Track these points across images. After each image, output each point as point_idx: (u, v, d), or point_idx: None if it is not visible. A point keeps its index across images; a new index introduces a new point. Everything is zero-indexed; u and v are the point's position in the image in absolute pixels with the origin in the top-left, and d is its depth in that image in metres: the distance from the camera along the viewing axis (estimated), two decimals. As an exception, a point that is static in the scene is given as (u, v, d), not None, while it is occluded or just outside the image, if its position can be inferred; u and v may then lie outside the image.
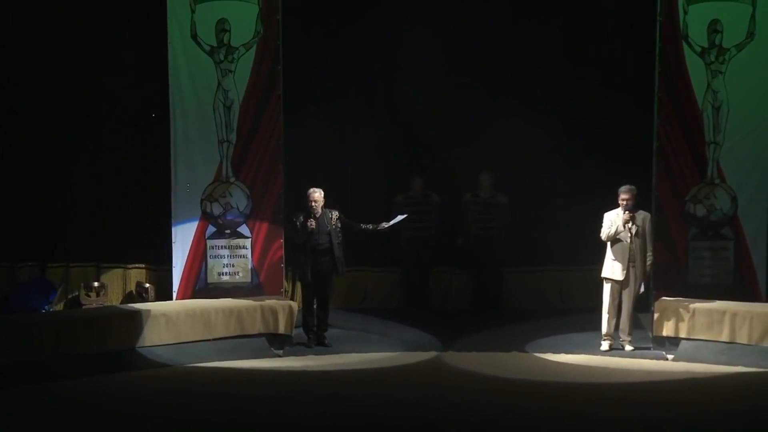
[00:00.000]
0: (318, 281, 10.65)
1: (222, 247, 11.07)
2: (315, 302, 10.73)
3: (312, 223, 10.49)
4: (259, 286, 11.05)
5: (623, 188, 10.28)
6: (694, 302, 10.24)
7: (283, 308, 10.64)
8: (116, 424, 7.88)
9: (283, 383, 9.28)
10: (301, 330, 10.78)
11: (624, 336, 10.37)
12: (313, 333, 10.71)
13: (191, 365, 9.82)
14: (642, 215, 10.32)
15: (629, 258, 10.25)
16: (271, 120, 11.02)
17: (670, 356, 10.09)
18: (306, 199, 10.63)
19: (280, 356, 10.30)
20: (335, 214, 10.68)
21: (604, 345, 10.36)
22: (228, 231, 11.05)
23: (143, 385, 9.16)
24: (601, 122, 12.19)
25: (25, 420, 7.99)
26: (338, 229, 10.65)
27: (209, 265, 11.05)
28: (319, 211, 10.58)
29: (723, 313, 10.02)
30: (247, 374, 9.55)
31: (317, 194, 10.60)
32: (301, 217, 10.55)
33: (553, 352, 10.27)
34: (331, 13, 12.32)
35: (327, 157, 12.34)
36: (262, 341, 10.53)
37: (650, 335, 10.50)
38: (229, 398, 8.63)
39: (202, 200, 10.96)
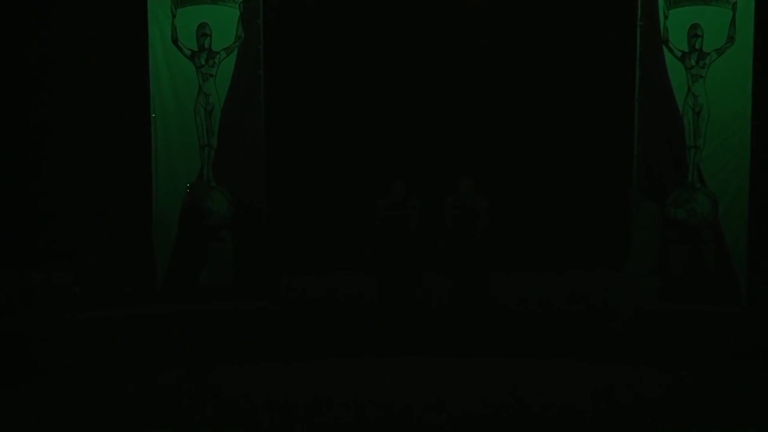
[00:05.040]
0: None
1: (203, 251, 11.06)
2: None
3: None
4: (242, 289, 11.04)
5: None
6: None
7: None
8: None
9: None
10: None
11: None
12: None
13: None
14: None
15: None
16: (252, 124, 11.02)
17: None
18: None
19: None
20: None
21: None
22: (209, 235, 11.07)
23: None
24: (582, 126, 12.20)
25: None
26: None
27: (191, 269, 11.05)
28: None
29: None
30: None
31: None
32: None
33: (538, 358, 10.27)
34: (313, 17, 12.30)
35: (309, 161, 12.31)
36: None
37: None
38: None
39: (182, 205, 10.94)
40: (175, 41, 10.87)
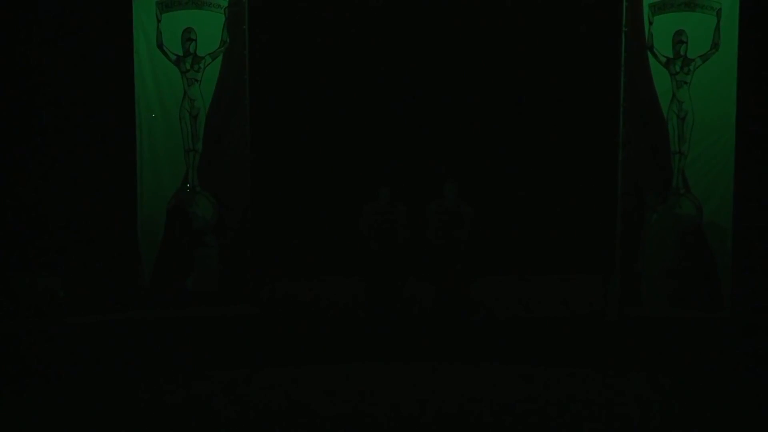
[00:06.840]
0: None
1: (189, 256, 11.05)
2: None
3: None
4: (226, 294, 11.03)
5: None
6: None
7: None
8: None
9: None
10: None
11: None
12: None
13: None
14: None
15: None
16: (237, 129, 11.02)
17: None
18: None
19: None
20: None
21: None
22: (194, 240, 11.06)
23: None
24: (567, 132, 12.21)
25: None
26: None
27: (176, 274, 11.04)
28: None
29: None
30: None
31: None
32: None
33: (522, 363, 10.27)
34: (298, 22, 12.29)
35: (294, 166, 12.30)
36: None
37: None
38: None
39: (167, 210, 10.93)
40: (160, 46, 10.85)
